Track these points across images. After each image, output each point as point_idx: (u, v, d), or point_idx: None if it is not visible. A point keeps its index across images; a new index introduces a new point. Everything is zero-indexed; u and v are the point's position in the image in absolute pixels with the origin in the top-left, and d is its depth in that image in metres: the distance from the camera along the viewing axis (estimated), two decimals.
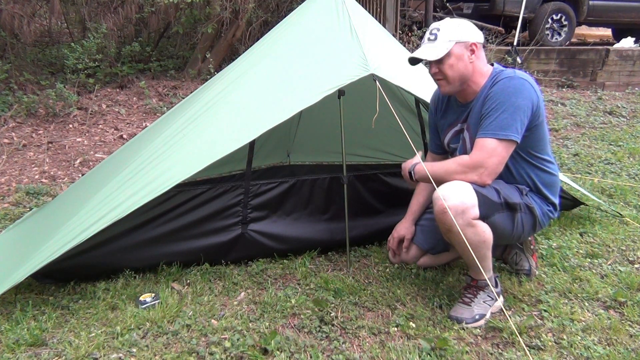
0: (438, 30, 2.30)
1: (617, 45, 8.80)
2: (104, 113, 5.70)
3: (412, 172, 2.40)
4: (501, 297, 2.41)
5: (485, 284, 2.31)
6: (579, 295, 2.53)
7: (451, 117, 2.50)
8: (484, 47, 2.44)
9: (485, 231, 2.21)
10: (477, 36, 2.34)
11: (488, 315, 2.32)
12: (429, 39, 2.32)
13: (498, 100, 2.23)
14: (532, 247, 2.68)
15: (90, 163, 4.61)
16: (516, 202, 2.31)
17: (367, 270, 2.79)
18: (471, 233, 2.17)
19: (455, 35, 2.29)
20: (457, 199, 2.14)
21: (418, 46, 2.42)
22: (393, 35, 5.13)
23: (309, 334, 2.22)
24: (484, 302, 2.32)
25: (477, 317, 2.29)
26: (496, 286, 2.39)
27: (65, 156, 4.75)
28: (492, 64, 2.41)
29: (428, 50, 2.30)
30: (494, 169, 2.22)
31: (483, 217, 2.20)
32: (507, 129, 2.20)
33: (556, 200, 2.48)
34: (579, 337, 2.19)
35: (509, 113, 2.20)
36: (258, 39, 3.63)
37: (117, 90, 6.26)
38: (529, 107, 2.24)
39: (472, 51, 2.31)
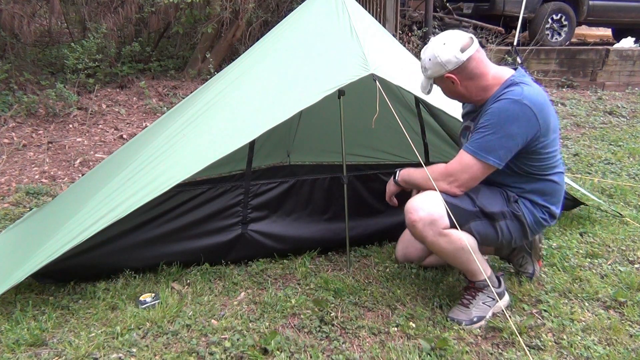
0: (421, 65, 2.30)
1: (617, 45, 8.81)
2: (104, 113, 5.70)
3: (396, 175, 2.44)
4: (507, 295, 2.40)
5: (484, 284, 2.30)
6: (579, 295, 2.53)
7: (469, 111, 2.47)
8: (483, 46, 2.39)
9: (460, 238, 2.18)
10: (450, 62, 2.19)
11: (488, 316, 2.32)
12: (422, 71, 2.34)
13: (491, 121, 2.16)
14: (540, 253, 2.65)
15: (90, 163, 4.61)
16: (494, 211, 2.25)
17: (367, 270, 2.79)
18: (444, 242, 2.19)
19: (430, 72, 2.26)
20: (425, 211, 2.17)
21: (419, 53, 2.37)
22: (393, 35, 5.14)
23: (309, 334, 2.22)
24: (483, 303, 2.31)
25: (474, 319, 2.29)
26: (499, 286, 2.37)
27: (65, 156, 4.75)
28: (516, 68, 2.30)
29: (422, 85, 2.36)
30: (464, 183, 2.22)
31: (458, 226, 2.17)
32: (489, 153, 2.16)
33: (554, 209, 2.36)
34: (579, 337, 2.20)
35: (497, 137, 2.15)
36: (258, 39, 3.63)
37: (117, 90, 6.27)
38: (523, 137, 2.15)
39: (453, 82, 2.23)
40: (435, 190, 2.20)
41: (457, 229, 2.16)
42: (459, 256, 2.23)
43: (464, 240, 2.19)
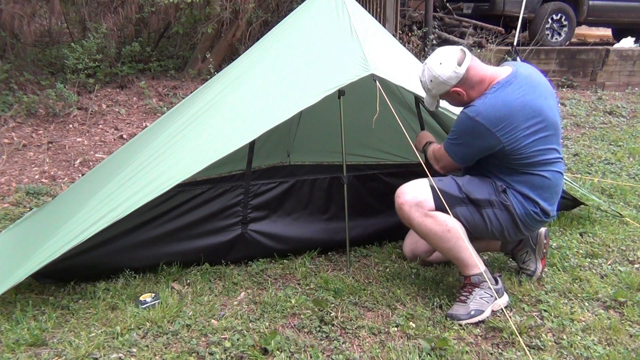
0: (422, 85, 2.43)
1: (617, 45, 8.80)
2: (104, 113, 5.70)
3: (427, 147, 2.66)
4: (505, 295, 2.41)
5: (479, 279, 2.32)
6: (579, 295, 2.53)
7: None
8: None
9: (446, 221, 2.29)
10: (452, 78, 2.29)
11: (487, 312, 2.32)
12: (424, 90, 2.46)
13: (454, 129, 2.38)
14: (544, 250, 2.66)
15: (90, 163, 4.62)
16: (480, 198, 2.34)
17: (367, 270, 2.79)
18: (431, 223, 2.31)
19: (434, 91, 2.39)
20: (410, 194, 2.35)
21: (419, 53, 2.45)
22: (393, 35, 5.14)
23: (309, 334, 2.22)
24: (480, 298, 2.32)
25: (472, 312, 2.30)
26: (496, 284, 2.39)
27: (65, 156, 4.75)
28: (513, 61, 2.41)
29: (427, 102, 2.51)
30: (444, 167, 2.49)
31: (443, 209, 2.29)
32: (454, 153, 2.40)
33: (545, 205, 2.36)
34: (579, 337, 2.20)
35: (456, 144, 2.38)
36: (258, 39, 3.63)
37: (117, 90, 6.26)
38: (480, 147, 2.31)
39: (458, 94, 2.35)
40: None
41: (442, 212, 2.29)
42: (447, 239, 2.30)
43: (450, 222, 2.29)
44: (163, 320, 2.27)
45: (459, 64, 2.29)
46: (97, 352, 2.06)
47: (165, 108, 5.78)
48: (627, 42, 8.85)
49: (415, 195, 2.33)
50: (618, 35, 9.78)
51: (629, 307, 2.41)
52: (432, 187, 2.32)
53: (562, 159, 2.42)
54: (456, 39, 7.83)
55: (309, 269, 2.79)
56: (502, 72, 2.35)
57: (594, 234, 3.22)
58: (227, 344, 2.10)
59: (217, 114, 2.63)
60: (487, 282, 2.30)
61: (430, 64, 2.35)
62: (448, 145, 2.41)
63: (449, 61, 2.30)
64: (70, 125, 5.38)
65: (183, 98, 5.16)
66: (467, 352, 2.10)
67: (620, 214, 3.48)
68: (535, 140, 2.27)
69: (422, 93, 2.56)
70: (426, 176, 2.36)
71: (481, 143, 2.29)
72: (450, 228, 2.29)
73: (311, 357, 2.06)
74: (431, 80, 2.35)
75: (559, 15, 8.35)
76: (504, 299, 2.39)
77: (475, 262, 2.32)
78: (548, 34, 8.32)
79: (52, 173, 4.42)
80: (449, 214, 2.29)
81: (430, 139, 2.73)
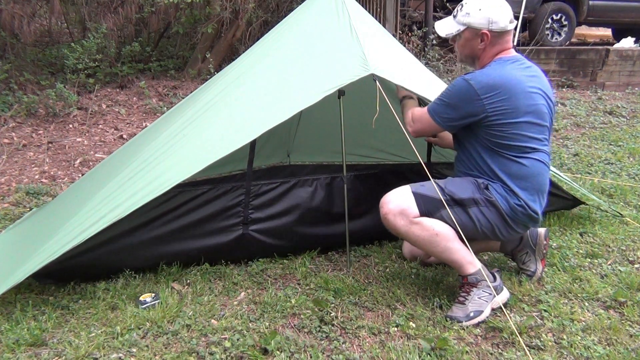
0: (461, 8, 2.43)
1: (617, 45, 8.80)
2: (104, 113, 5.70)
3: (403, 98, 2.70)
4: (505, 291, 2.41)
5: (476, 279, 2.31)
6: (579, 295, 2.53)
7: None
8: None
9: (433, 226, 2.29)
10: (496, 24, 2.36)
11: (487, 311, 2.31)
12: (452, 13, 2.48)
13: (446, 90, 2.42)
14: (544, 251, 2.65)
15: (90, 163, 4.62)
16: (464, 197, 2.32)
17: (367, 270, 2.79)
18: (417, 230, 2.30)
19: (470, 19, 2.39)
20: (393, 203, 2.33)
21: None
22: (393, 35, 5.13)
23: (309, 334, 2.22)
24: (479, 298, 2.31)
25: (471, 314, 2.29)
26: (494, 280, 2.38)
27: (65, 156, 4.75)
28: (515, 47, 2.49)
29: (444, 25, 2.50)
30: (417, 130, 2.52)
31: (428, 214, 2.29)
32: (436, 114, 2.41)
33: (525, 195, 2.32)
34: (579, 337, 2.20)
35: (444, 104, 2.39)
36: (258, 39, 3.63)
37: (117, 90, 6.27)
38: (464, 111, 2.32)
39: (482, 40, 2.39)
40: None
41: (432, 217, 2.29)
42: (437, 244, 2.30)
43: (437, 227, 2.28)
44: (163, 320, 2.27)
45: (511, 21, 2.39)
46: (97, 352, 2.06)
47: (165, 108, 5.78)
48: (627, 42, 8.84)
49: (398, 204, 2.31)
50: (618, 35, 9.77)
51: (629, 307, 2.41)
52: (415, 193, 2.32)
53: (546, 152, 2.39)
54: None
55: (309, 269, 2.79)
56: (512, 51, 2.45)
57: (594, 234, 3.22)
58: (227, 344, 2.10)
59: (217, 113, 2.63)
60: (485, 280, 2.30)
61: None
62: (433, 106, 2.43)
63: (507, 13, 2.38)
64: (70, 125, 5.38)
65: (183, 98, 5.15)
66: (467, 352, 2.10)
67: (620, 214, 3.48)
68: (519, 123, 2.29)
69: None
70: (427, 177, 2.35)
71: (467, 107, 2.31)
72: (438, 232, 2.29)
73: (311, 357, 2.06)
74: (480, 10, 2.36)
75: (559, 15, 8.36)
76: (504, 295, 2.39)
77: (470, 261, 2.32)
78: (548, 34, 8.32)
79: (52, 173, 4.42)
80: (435, 219, 2.29)
81: (411, 95, 2.70)
